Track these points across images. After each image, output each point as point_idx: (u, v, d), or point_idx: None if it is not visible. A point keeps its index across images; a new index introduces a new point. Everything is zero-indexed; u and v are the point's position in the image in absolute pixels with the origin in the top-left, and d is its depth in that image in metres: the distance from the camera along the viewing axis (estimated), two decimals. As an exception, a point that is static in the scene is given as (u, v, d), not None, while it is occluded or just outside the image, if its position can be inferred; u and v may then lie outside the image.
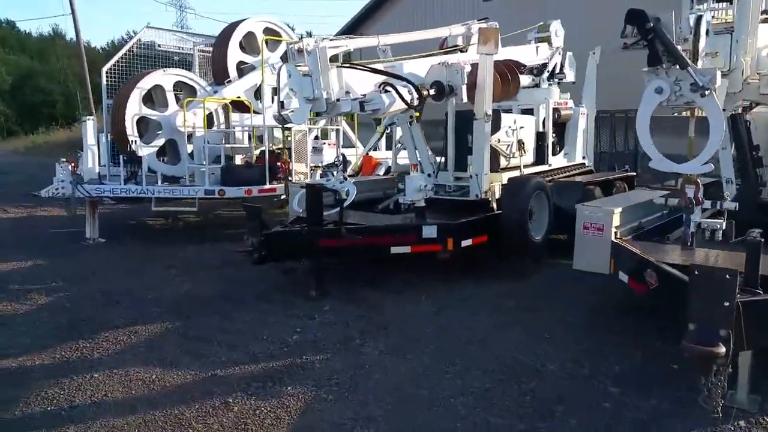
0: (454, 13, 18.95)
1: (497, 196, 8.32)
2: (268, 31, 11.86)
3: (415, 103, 7.36)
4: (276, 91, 6.98)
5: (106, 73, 10.71)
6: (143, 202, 11.29)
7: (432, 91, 7.79)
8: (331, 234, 6.55)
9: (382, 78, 7.72)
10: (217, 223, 12.59)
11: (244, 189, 10.09)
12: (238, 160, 11.53)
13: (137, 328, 5.96)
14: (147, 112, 10.50)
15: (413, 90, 7.39)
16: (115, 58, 11.21)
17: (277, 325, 5.94)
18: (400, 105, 7.35)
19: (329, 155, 11.70)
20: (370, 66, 7.49)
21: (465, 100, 8.03)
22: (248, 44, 11.75)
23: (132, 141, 10.10)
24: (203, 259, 8.89)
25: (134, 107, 10.22)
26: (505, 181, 8.66)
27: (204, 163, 10.48)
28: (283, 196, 11.92)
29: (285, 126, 8.36)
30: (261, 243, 6.31)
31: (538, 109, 9.94)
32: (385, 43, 8.29)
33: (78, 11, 31.15)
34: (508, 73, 8.96)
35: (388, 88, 7.20)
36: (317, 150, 11.58)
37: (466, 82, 7.97)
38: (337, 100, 7.20)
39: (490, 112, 8.09)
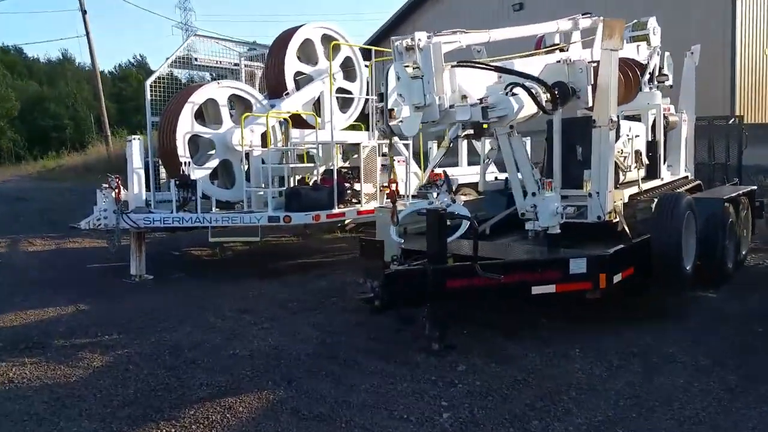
0: (485, 21, 17.67)
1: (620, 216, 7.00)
2: (326, 38, 10.64)
3: (549, 106, 6.06)
4: (382, 97, 5.70)
5: (151, 86, 9.48)
6: (190, 231, 10.07)
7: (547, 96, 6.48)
8: (464, 272, 5.19)
9: (492, 80, 6.48)
10: (268, 252, 11.27)
11: (312, 214, 8.79)
12: (293, 181, 10.24)
13: (230, 400, 4.61)
14: (200, 129, 9.23)
15: (541, 92, 6.09)
16: (159, 71, 10.01)
17: (412, 395, 4.57)
18: (529, 110, 6.05)
19: (399, 173, 10.38)
20: (493, 65, 6.21)
21: (590, 103, 6.75)
22: (304, 53, 10.52)
23: (184, 163, 8.83)
24: (277, 299, 7.54)
25: (186, 124, 8.95)
26: (626, 199, 7.35)
27: (263, 185, 9.25)
28: (348, 222, 10.70)
29: (392, 139, 7.10)
30: (383, 286, 4.96)
31: (647, 115, 8.62)
32: (495, 39, 7.00)
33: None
34: (629, 72, 7.68)
35: (516, 90, 5.90)
36: (386, 168, 10.26)
37: (591, 82, 6.70)
38: (451, 106, 5.95)
39: (615, 118, 6.78)
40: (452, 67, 5.99)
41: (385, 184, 10.26)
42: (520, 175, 7.34)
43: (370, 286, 5.08)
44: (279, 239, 12.43)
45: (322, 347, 5.70)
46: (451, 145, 12.16)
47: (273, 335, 6.12)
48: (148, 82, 9.58)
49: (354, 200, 9.82)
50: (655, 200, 7.39)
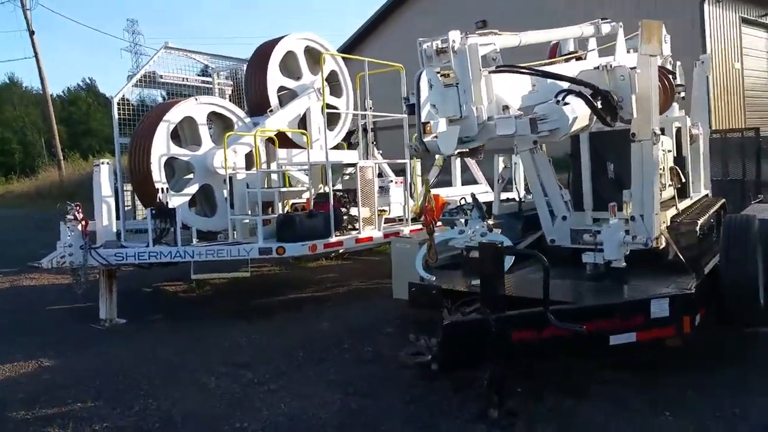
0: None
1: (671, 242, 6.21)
2: (309, 50, 9.71)
3: (608, 117, 5.24)
4: (414, 109, 4.77)
5: (118, 104, 8.33)
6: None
7: (599, 104, 5.67)
8: (532, 321, 4.25)
9: (527, 88, 5.63)
10: (251, 285, 10.11)
11: (309, 244, 7.76)
12: (280, 208, 9.15)
13: (251, 502, 3.56)
14: (177, 151, 8.12)
15: (595, 100, 5.26)
16: (125, 88, 8.83)
17: (488, 485, 3.60)
18: (583, 121, 5.22)
19: (396, 196, 9.45)
20: (540, 69, 5.37)
21: (635, 114, 5.94)
22: (285, 67, 9.53)
23: (161, 189, 7.70)
24: (275, 347, 6.47)
25: (162, 146, 7.83)
26: (668, 222, 6.56)
27: (249, 212, 8.22)
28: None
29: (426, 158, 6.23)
30: (443, 343, 3.97)
31: (671, 127, 7.89)
32: (525, 42, 6.19)
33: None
34: (665, 79, 6.95)
35: (570, 99, 5.05)
36: (383, 190, 9.31)
37: (636, 90, 5.91)
38: (489, 118, 5.07)
39: (657, 131, 6.00)
40: (490, 72, 5.13)
41: (382, 209, 9.34)
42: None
43: (425, 344, 4.08)
44: (259, 269, 11.29)
45: (350, 415, 4.67)
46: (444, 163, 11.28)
47: (284, 400, 5.04)
48: (115, 99, 8.43)
49: (350, 227, 8.84)
50: (699, 222, 6.67)
